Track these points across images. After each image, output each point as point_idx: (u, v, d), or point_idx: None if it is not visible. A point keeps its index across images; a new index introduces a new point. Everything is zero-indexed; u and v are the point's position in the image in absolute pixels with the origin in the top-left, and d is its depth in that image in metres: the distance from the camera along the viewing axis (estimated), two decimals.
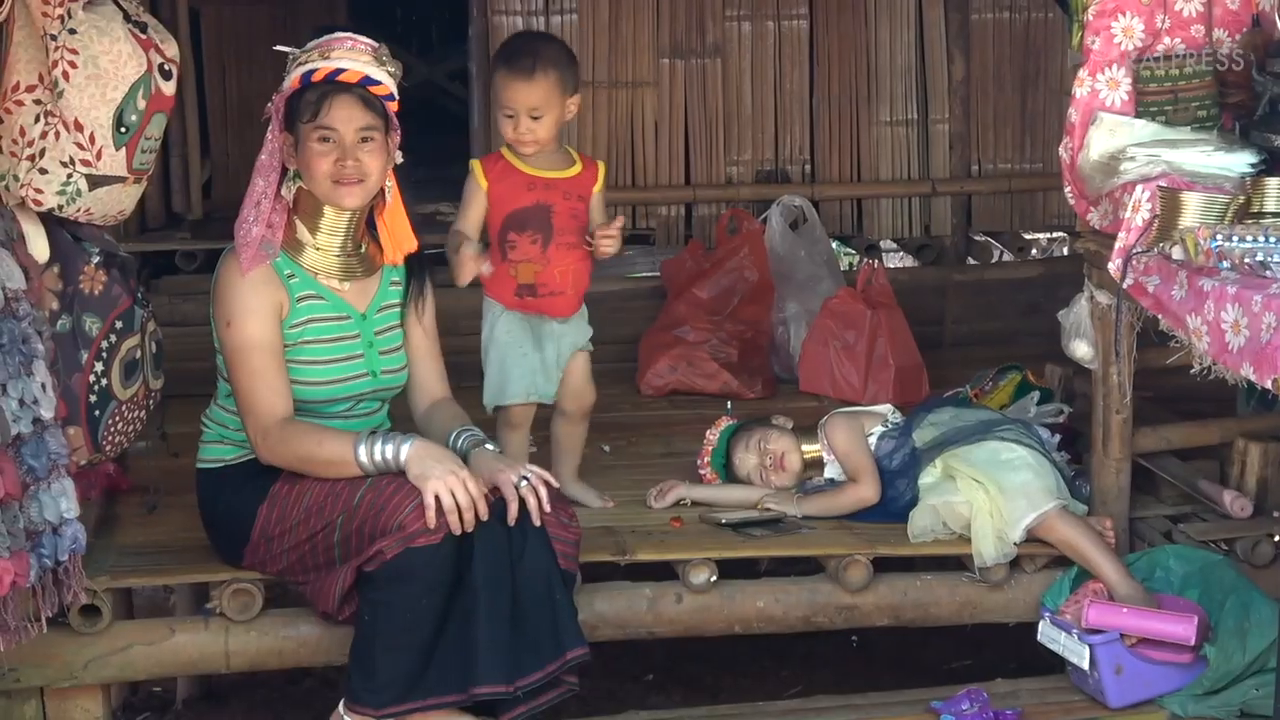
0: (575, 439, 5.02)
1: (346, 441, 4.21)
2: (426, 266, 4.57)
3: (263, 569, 4.36)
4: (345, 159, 4.23)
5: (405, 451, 4.15)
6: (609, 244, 4.81)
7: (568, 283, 4.83)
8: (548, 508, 4.17)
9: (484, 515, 4.09)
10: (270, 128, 4.30)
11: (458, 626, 4.11)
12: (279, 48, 4.32)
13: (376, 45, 4.29)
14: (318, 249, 4.34)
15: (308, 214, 4.33)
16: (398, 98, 4.31)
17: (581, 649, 4.21)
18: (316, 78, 4.21)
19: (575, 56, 4.89)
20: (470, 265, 4.65)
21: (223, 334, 4.28)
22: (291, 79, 4.25)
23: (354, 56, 4.23)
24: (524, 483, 4.16)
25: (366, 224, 4.41)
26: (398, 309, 4.49)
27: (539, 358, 4.82)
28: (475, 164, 4.84)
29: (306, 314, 4.32)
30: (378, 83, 4.25)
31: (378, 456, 4.16)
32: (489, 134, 7.07)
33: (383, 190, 4.37)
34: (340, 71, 4.22)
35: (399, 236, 4.44)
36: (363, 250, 4.41)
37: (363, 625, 4.14)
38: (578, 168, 4.89)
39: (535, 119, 4.72)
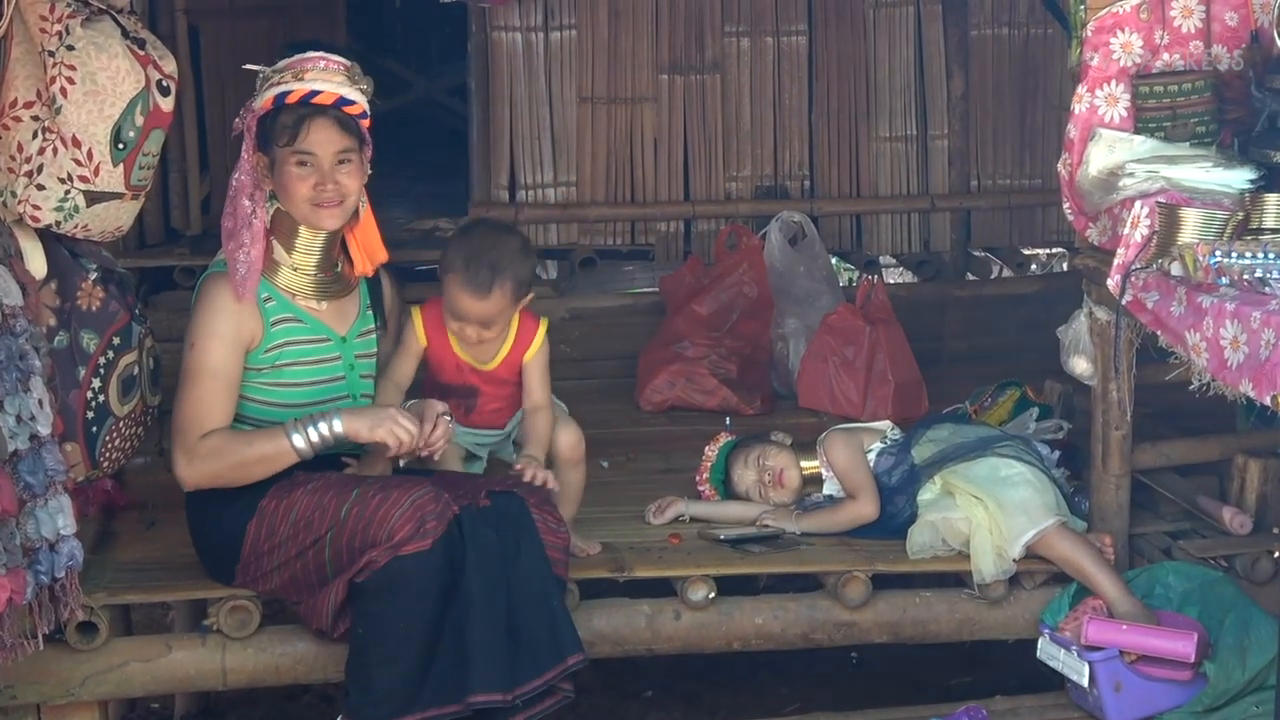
0: (569, 487, 4.73)
1: (276, 434, 4.22)
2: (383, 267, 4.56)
3: (255, 587, 4.36)
4: (325, 182, 4.25)
5: (339, 426, 4.20)
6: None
7: (501, 416, 4.69)
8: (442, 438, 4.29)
9: (436, 443, 4.26)
10: (243, 148, 4.30)
11: (452, 636, 4.12)
12: (248, 66, 4.31)
13: (349, 64, 4.30)
14: (294, 269, 4.34)
15: (283, 234, 4.33)
16: (370, 115, 4.33)
17: (580, 654, 4.23)
18: (291, 99, 4.22)
19: (531, 250, 4.59)
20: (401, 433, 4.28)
21: (185, 353, 4.27)
22: (264, 99, 4.25)
23: (328, 77, 4.24)
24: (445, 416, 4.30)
25: (340, 243, 4.41)
26: (375, 334, 4.50)
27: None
28: (417, 317, 4.57)
29: (283, 337, 4.32)
30: (352, 102, 4.26)
31: (315, 438, 4.20)
32: (488, 150, 7.09)
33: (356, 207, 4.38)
34: (316, 93, 4.22)
35: (370, 249, 4.45)
36: (338, 269, 4.41)
37: (357, 639, 4.15)
38: (508, 345, 4.60)
39: (487, 328, 4.49)
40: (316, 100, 4.22)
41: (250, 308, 4.26)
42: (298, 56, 4.26)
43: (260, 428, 4.31)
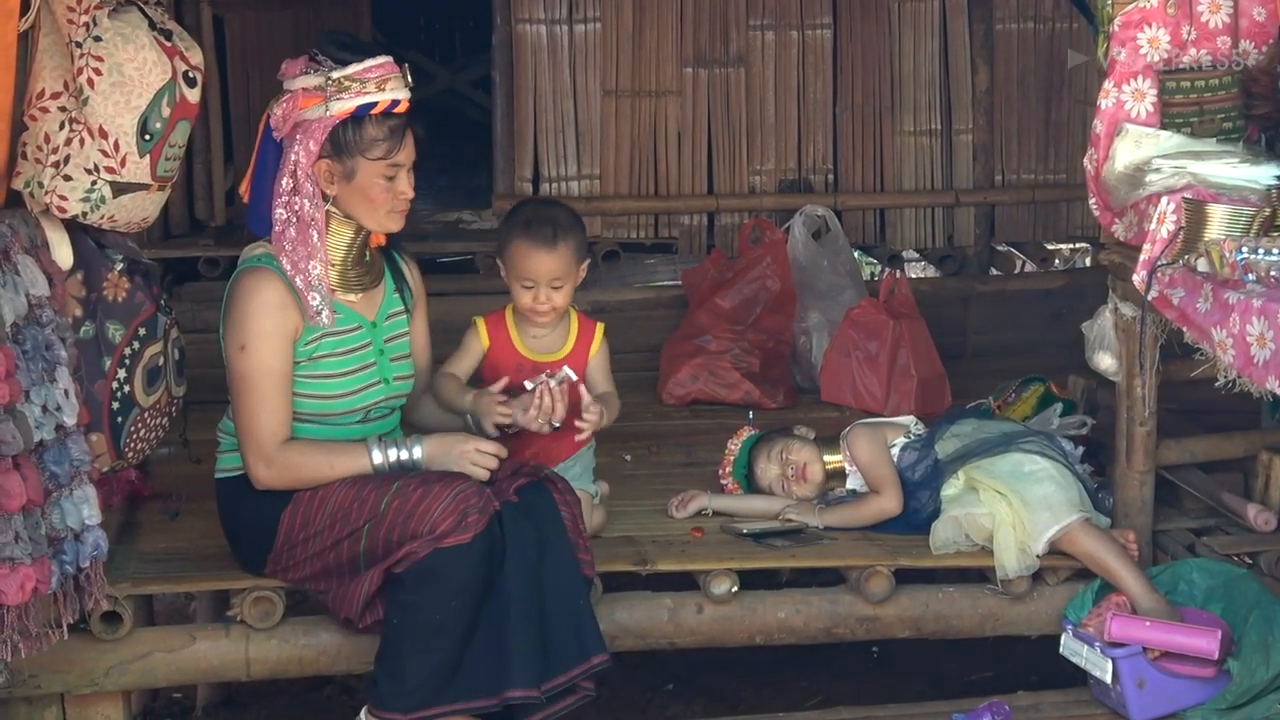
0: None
1: (359, 457, 4.27)
2: (399, 246, 4.59)
3: (284, 576, 4.36)
4: (406, 191, 4.30)
5: (419, 454, 4.29)
6: (585, 429, 4.57)
7: (548, 457, 4.66)
8: (561, 412, 4.45)
9: (556, 411, 4.44)
10: (297, 152, 4.24)
11: (489, 630, 4.13)
12: (290, 62, 4.30)
13: (400, 64, 4.32)
14: (331, 265, 4.34)
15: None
16: None
17: (604, 655, 4.23)
18: (376, 111, 4.22)
19: (582, 221, 4.80)
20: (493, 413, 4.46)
21: (234, 357, 4.26)
22: (344, 108, 4.20)
23: (400, 84, 4.27)
24: (544, 378, 4.45)
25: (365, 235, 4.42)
26: (404, 316, 4.50)
27: None
28: (480, 322, 4.74)
29: (321, 329, 4.31)
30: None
31: (393, 460, 4.28)
32: (511, 143, 7.11)
33: None
34: (397, 103, 4.24)
35: None
36: (367, 259, 4.42)
37: (391, 629, 4.15)
38: (571, 341, 4.73)
39: (556, 288, 4.62)
40: (398, 110, 4.25)
41: (289, 302, 4.25)
42: (370, 63, 4.23)
43: (301, 421, 4.33)
